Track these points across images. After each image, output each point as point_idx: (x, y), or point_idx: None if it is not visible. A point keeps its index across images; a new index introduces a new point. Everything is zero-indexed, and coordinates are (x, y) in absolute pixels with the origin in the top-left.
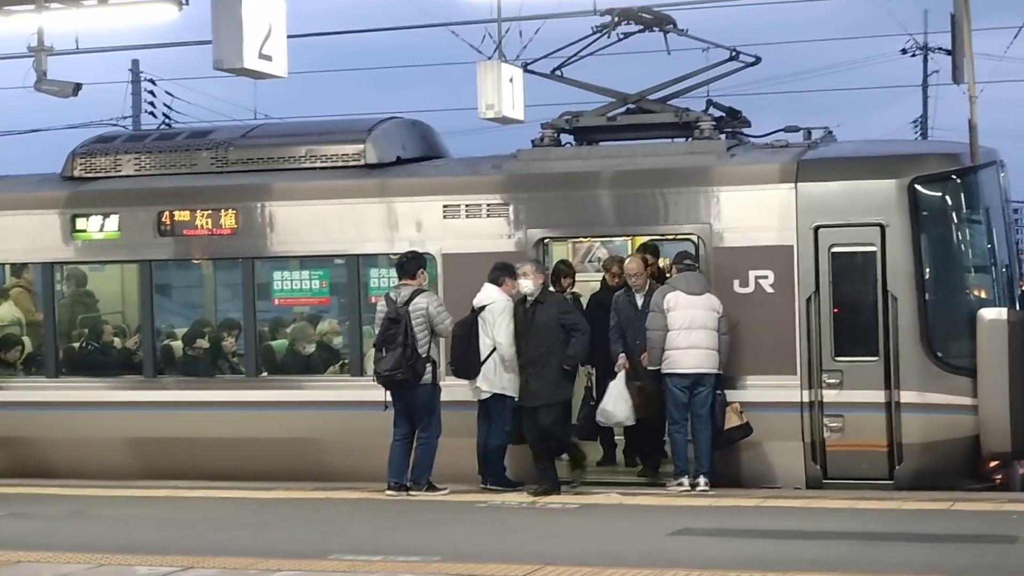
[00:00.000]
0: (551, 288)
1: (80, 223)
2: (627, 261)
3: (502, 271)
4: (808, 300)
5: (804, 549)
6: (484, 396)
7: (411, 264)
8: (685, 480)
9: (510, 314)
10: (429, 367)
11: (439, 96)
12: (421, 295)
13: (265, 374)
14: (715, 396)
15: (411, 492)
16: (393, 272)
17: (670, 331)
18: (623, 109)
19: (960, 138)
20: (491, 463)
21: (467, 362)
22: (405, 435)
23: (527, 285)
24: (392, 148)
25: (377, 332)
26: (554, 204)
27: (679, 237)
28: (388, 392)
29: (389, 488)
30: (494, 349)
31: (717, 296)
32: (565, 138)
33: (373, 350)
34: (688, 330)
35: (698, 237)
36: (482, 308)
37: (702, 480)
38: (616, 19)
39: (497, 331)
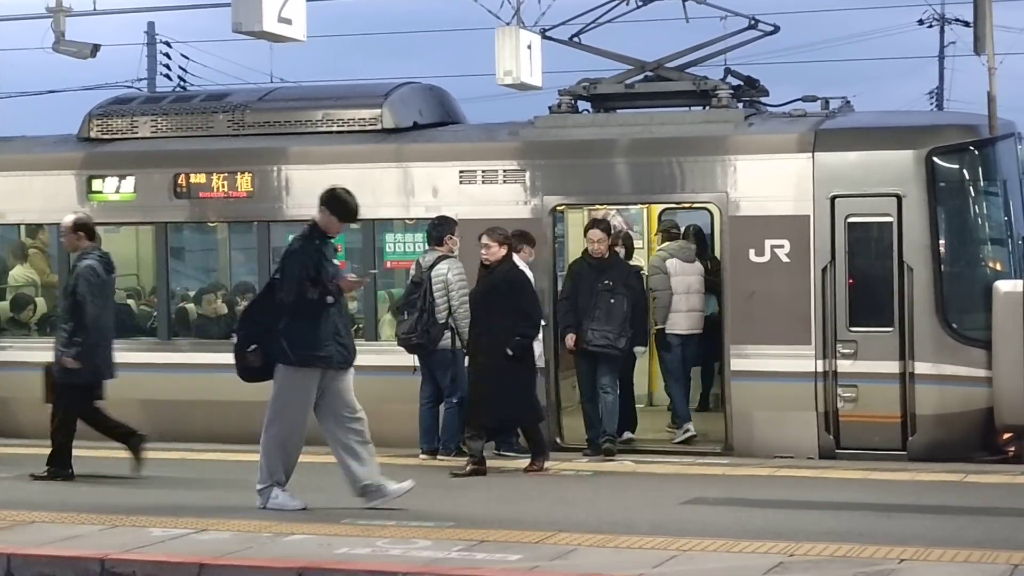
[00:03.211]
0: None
1: (96, 184)
2: (590, 229)
3: (520, 238)
4: (824, 270)
5: (816, 519)
6: None
7: (436, 230)
8: (690, 426)
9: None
10: (447, 334)
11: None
12: (444, 261)
13: None
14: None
15: (439, 456)
16: (407, 237)
17: (674, 294)
18: (641, 77)
19: (977, 110)
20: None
21: None
22: (429, 399)
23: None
24: (409, 113)
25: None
26: (570, 171)
27: (695, 205)
28: (416, 357)
29: (422, 453)
30: None
31: (731, 265)
32: (582, 105)
33: (388, 315)
34: (687, 294)
35: (715, 205)
36: None
37: (691, 427)
38: None
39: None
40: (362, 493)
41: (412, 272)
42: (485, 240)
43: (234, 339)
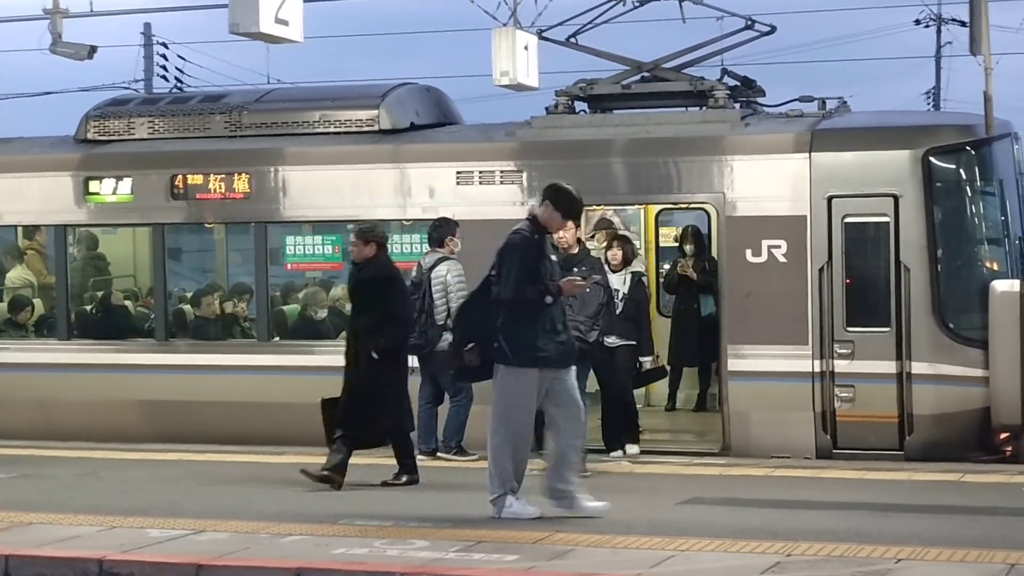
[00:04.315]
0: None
1: (93, 186)
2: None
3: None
4: (820, 270)
5: (814, 519)
6: None
7: (437, 231)
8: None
9: None
10: (446, 335)
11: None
12: (444, 263)
13: (277, 339)
14: None
15: (439, 455)
16: (404, 238)
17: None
18: (637, 77)
19: (974, 110)
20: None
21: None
22: (428, 400)
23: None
24: (406, 114)
25: None
26: (567, 172)
27: (692, 206)
28: (415, 358)
29: (420, 453)
30: None
31: (727, 265)
32: (579, 106)
33: None
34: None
35: (711, 206)
36: None
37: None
38: None
39: None
40: (553, 495)
41: (413, 273)
42: (352, 238)
43: (449, 338)
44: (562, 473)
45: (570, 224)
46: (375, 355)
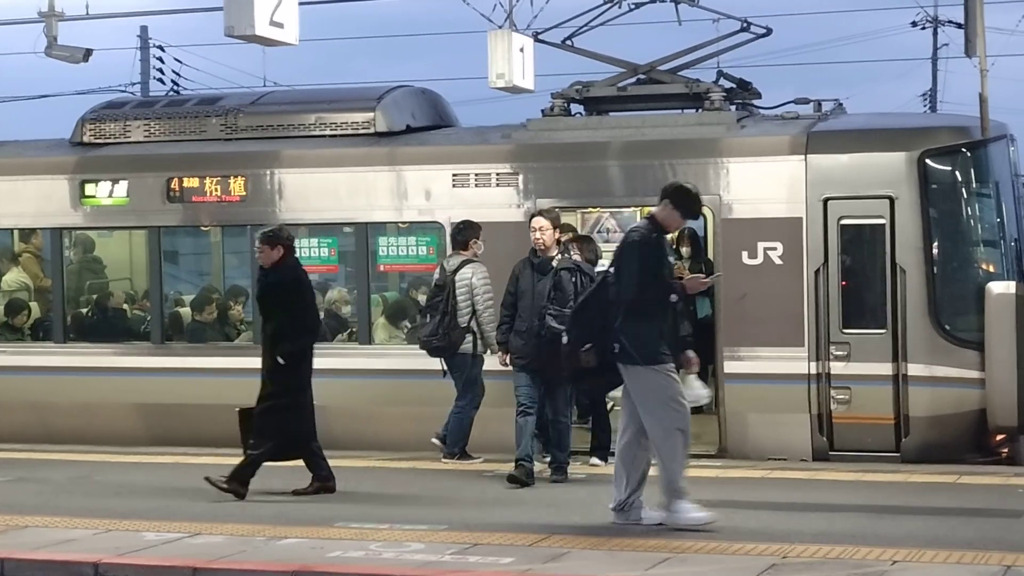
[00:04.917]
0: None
1: (89, 189)
2: (533, 218)
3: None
4: (816, 272)
5: (810, 521)
6: None
7: (462, 234)
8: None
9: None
10: (469, 337)
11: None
12: (468, 265)
13: None
14: None
15: (443, 459)
16: (401, 240)
17: None
18: (633, 79)
19: (970, 112)
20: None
21: None
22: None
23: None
24: (402, 116)
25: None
26: (563, 174)
27: None
28: (441, 360)
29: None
30: None
31: (723, 267)
32: (575, 108)
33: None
34: None
35: (707, 208)
36: None
37: None
38: None
39: None
40: (620, 507)
41: (436, 275)
42: (257, 243)
43: (564, 339)
44: (627, 484)
45: (546, 225)
46: (281, 361)
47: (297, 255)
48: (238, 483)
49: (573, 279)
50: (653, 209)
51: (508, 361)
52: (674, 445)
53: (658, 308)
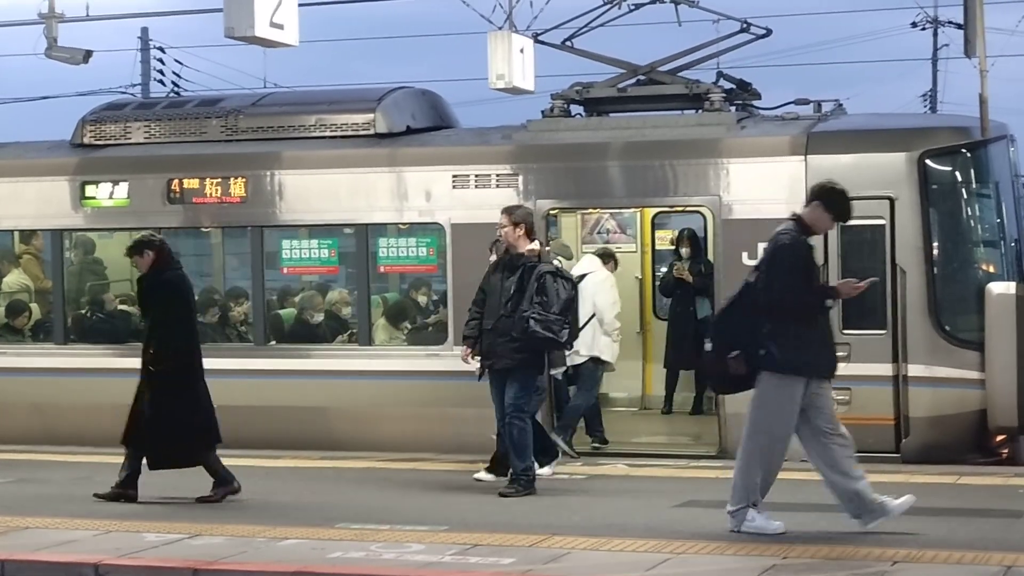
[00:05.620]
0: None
1: (89, 190)
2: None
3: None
4: None
5: (809, 522)
6: (579, 361)
7: None
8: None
9: (612, 284)
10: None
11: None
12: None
13: (273, 343)
14: None
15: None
16: (401, 241)
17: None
18: (633, 80)
19: (970, 112)
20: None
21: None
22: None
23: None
24: (402, 118)
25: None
26: (563, 175)
27: (688, 209)
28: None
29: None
30: (592, 316)
31: (723, 268)
32: (575, 109)
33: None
34: None
35: (707, 208)
36: (582, 277)
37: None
38: None
39: (598, 299)
40: (858, 513)
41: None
42: (126, 254)
43: (707, 346)
44: (850, 490)
45: (504, 222)
46: (151, 368)
47: (175, 259)
48: (126, 488)
49: (555, 283)
50: (799, 210)
51: (471, 357)
52: (762, 461)
53: (811, 313)
